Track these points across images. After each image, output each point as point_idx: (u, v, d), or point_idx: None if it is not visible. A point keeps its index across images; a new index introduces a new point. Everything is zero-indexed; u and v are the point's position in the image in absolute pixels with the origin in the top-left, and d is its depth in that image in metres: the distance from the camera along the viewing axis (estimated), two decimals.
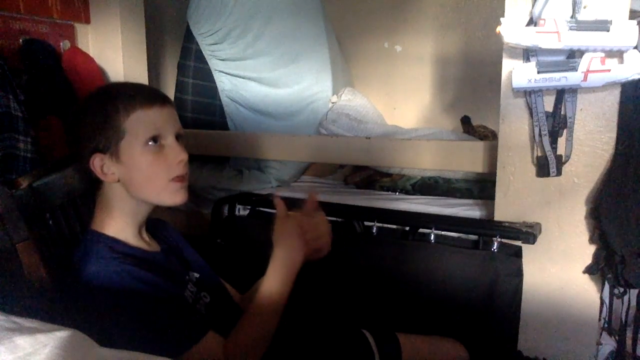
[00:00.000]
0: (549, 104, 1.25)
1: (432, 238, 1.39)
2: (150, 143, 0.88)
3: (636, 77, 1.13)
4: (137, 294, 0.82)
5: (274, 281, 0.92)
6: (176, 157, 0.90)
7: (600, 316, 1.34)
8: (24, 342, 0.48)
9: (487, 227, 1.39)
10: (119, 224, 0.91)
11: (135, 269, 0.84)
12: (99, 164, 0.88)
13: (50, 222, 0.97)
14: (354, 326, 1.17)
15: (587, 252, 1.29)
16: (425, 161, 1.64)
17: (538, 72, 1.18)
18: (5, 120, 1.34)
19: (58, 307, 0.85)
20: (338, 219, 1.53)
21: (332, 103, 1.99)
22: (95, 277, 0.81)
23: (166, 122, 0.90)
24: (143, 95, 0.90)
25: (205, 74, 1.97)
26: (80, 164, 0.92)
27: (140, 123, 0.87)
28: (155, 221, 1.08)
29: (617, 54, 1.14)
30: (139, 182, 0.90)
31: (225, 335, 0.88)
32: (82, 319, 0.81)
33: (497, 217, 1.39)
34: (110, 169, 0.89)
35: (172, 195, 0.91)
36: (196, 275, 1.04)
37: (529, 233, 1.27)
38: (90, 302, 0.82)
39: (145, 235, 0.98)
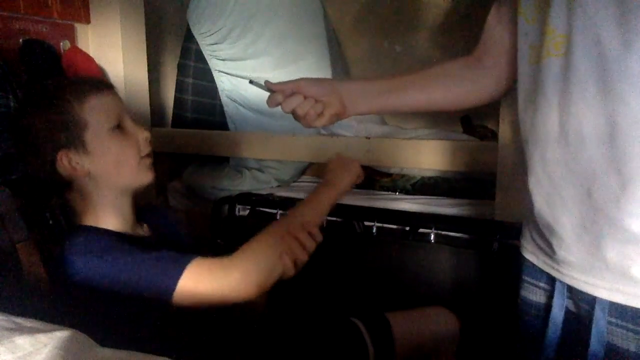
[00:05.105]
0: None
1: (432, 238, 1.39)
2: (116, 129, 0.88)
3: None
4: (118, 258, 0.79)
5: (322, 193, 0.97)
6: (142, 135, 0.91)
7: None
8: (24, 342, 0.48)
9: (487, 227, 1.39)
10: (105, 214, 0.89)
11: (113, 243, 0.82)
12: (66, 160, 0.86)
13: (50, 222, 0.97)
14: (343, 316, 1.16)
15: None
16: (425, 161, 1.64)
17: None
18: (5, 120, 1.34)
19: (57, 306, 0.84)
20: (338, 219, 1.53)
21: None
22: (81, 267, 0.79)
23: (121, 105, 0.91)
24: (90, 83, 0.89)
25: (205, 74, 1.97)
26: (42, 169, 0.87)
27: (99, 110, 0.86)
28: (150, 207, 1.06)
29: None
30: (112, 167, 0.88)
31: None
32: (76, 312, 0.79)
33: (497, 217, 1.39)
34: (79, 163, 0.86)
35: (145, 174, 0.92)
36: None
37: None
38: (79, 292, 0.79)
39: (136, 224, 0.96)
